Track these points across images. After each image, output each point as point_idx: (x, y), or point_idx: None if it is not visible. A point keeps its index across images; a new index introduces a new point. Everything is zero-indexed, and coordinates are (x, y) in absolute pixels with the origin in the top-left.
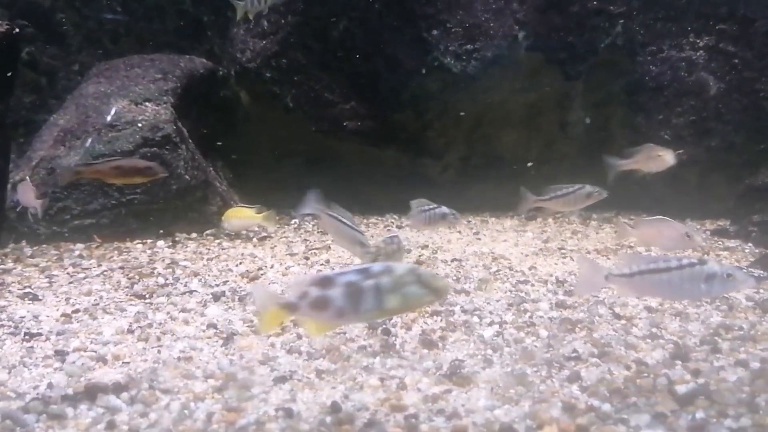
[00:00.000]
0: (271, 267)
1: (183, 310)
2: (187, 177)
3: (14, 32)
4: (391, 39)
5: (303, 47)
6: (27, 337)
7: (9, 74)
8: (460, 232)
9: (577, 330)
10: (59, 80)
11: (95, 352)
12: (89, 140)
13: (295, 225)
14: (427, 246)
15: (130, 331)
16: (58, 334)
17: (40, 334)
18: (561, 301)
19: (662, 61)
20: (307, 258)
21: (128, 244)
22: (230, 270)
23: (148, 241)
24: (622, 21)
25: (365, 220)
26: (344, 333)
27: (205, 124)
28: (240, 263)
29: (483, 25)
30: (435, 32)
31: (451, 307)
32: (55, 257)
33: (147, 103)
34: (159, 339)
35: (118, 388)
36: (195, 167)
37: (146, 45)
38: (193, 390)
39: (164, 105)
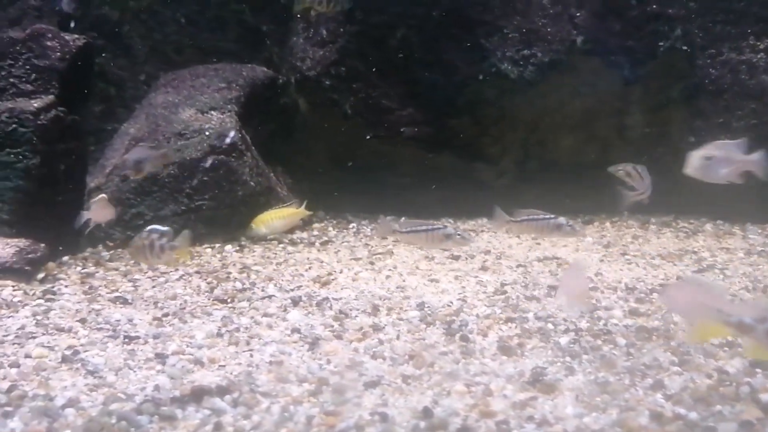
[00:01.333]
0: (340, 272)
1: (265, 315)
2: (252, 183)
3: (90, 45)
4: (448, 46)
5: (361, 55)
6: (126, 340)
7: (85, 85)
8: (518, 237)
9: (654, 338)
10: (127, 90)
11: (192, 355)
12: None
13: (354, 229)
14: (489, 251)
15: (220, 335)
16: (155, 337)
17: (138, 337)
18: (634, 309)
19: (722, 65)
20: (372, 263)
21: (198, 248)
22: (301, 275)
23: (216, 245)
24: (681, 25)
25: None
26: (423, 339)
27: (265, 131)
28: (309, 268)
29: (540, 30)
30: (492, 38)
31: (524, 314)
32: (132, 261)
33: (212, 112)
34: (248, 343)
35: (221, 391)
36: (259, 174)
37: (208, 55)
38: (290, 393)
39: (229, 113)
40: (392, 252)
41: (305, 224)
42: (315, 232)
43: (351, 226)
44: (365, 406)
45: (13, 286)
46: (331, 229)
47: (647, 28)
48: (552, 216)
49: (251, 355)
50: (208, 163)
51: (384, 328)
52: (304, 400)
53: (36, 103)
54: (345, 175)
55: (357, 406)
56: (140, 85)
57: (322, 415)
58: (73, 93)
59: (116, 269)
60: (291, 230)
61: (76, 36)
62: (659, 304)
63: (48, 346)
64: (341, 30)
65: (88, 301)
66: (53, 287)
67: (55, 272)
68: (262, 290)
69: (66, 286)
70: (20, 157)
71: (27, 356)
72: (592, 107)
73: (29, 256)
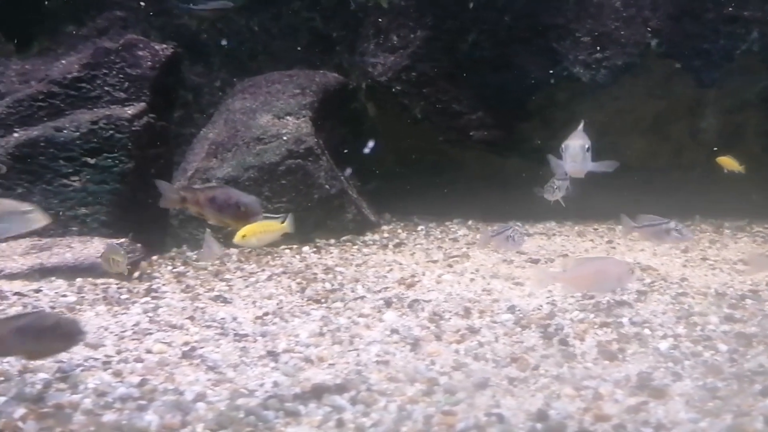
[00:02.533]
0: (423, 274)
1: (361, 315)
2: (327, 187)
3: (177, 54)
4: (519, 50)
5: (432, 60)
6: (237, 337)
7: (172, 92)
8: (592, 240)
9: (755, 344)
10: (203, 96)
11: (301, 353)
12: None
13: (424, 232)
14: (567, 255)
15: (322, 334)
16: (262, 335)
17: (247, 335)
18: (729, 315)
19: None
20: (450, 266)
21: (277, 249)
22: (385, 276)
23: (294, 246)
24: (757, 27)
25: (489, 227)
26: (522, 342)
27: (336, 136)
28: (390, 270)
29: (613, 33)
30: (564, 42)
31: (618, 319)
32: (217, 261)
33: (288, 117)
34: (351, 342)
35: (339, 389)
36: (333, 177)
37: (280, 61)
38: (405, 393)
39: (304, 118)
40: (468, 255)
41: (372, 226)
42: (385, 235)
43: (420, 228)
44: (479, 406)
45: (116, 284)
46: (400, 231)
47: (723, 30)
48: (666, 220)
49: (358, 355)
50: (286, 166)
51: (480, 330)
52: (419, 399)
53: (130, 110)
54: (412, 178)
55: (471, 407)
56: (215, 91)
57: (439, 415)
58: (162, 100)
59: (205, 269)
60: (362, 232)
61: (165, 45)
62: (752, 310)
63: (165, 342)
64: (412, 36)
65: (191, 300)
66: (152, 285)
67: (149, 271)
68: (352, 291)
69: (163, 285)
70: (116, 161)
71: (148, 351)
72: (666, 110)
73: (128, 255)
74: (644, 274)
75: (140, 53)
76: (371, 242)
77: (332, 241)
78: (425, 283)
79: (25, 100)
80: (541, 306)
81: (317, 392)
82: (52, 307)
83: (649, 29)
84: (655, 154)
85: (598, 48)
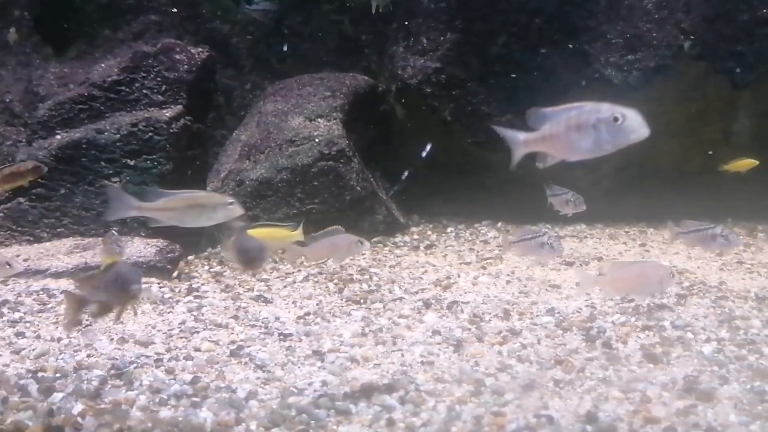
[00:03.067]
0: (458, 276)
1: (401, 316)
2: (358, 188)
3: (212, 58)
4: (550, 52)
5: (462, 63)
6: (281, 337)
7: (207, 95)
8: (625, 243)
9: None
10: (234, 98)
11: (346, 353)
12: None
13: (454, 234)
14: (601, 258)
15: (364, 335)
16: (306, 335)
17: (291, 335)
18: None
19: None
20: (484, 268)
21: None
22: (420, 278)
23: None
24: None
25: (514, 231)
26: (564, 345)
27: (365, 138)
28: (425, 271)
29: (645, 35)
30: (596, 44)
31: (660, 323)
32: None
33: (319, 120)
34: (394, 343)
35: (388, 389)
36: (364, 179)
37: (309, 64)
38: (452, 393)
39: (335, 121)
40: (501, 257)
41: (401, 227)
42: (415, 236)
43: (449, 230)
44: (527, 408)
45: (158, 283)
46: (429, 232)
47: (758, 32)
48: (712, 226)
49: (402, 355)
50: (318, 168)
51: (521, 332)
52: (467, 400)
53: (168, 113)
54: (439, 179)
55: (519, 408)
56: (246, 94)
57: (489, 416)
58: (198, 102)
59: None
60: (392, 234)
61: (201, 49)
62: None
63: (213, 341)
64: (442, 38)
65: (233, 299)
66: (192, 284)
67: (187, 271)
68: (390, 292)
69: (203, 284)
70: (155, 163)
71: (197, 349)
72: (698, 112)
73: (169, 255)
74: (681, 277)
75: (177, 57)
76: (402, 243)
77: None
78: (461, 284)
79: (67, 103)
80: (581, 309)
81: (366, 392)
82: None
83: (681, 31)
84: (687, 156)
85: (630, 50)
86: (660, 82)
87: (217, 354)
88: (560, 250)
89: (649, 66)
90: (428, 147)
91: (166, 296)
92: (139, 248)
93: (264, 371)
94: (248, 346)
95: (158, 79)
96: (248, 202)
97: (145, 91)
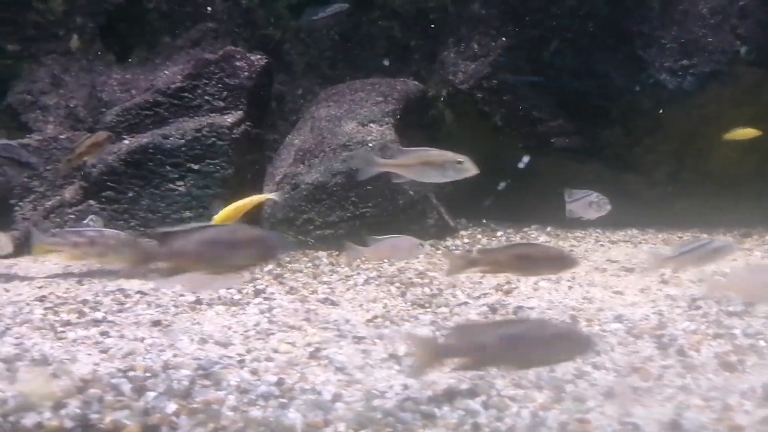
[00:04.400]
0: (518, 281)
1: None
2: (411, 192)
3: (270, 64)
4: (602, 57)
5: (513, 68)
6: (356, 339)
7: (266, 101)
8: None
9: None
10: (286, 103)
11: None
12: None
13: (504, 238)
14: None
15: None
16: (379, 338)
17: (365, 338)
18: None
19: None
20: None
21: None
22: (480, 282)
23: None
24: None
25: (569, 234)
26: (638, 352)
27: (415, 142)
28: (483, 276)
29: (700, 40)
30: (650, 49)
31: (731, 330)
32: (309, 264)
33: (372, 125)
34: None
35: (471, 393)
36: (416, 183)
37: (359, 69)
38: (534, 399)
39: (387, 125)
40: None
41: (451, 231)
42: (465, 240)
43: (498, 234)
44: (610, 415)
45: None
46: (479, 236)
47: None
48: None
49: None
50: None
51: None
52: (550, 406)
53: (229, 119)
54: (487, 184)
55: (603, 415)
56: (297, 99)
57: (574, 422)
58: (256, 108)
59: (300, 271)
60: (442, 237)
61: (260, 56)
62: None
63: (289, 343)
64: (493, 44)
65: (300, 302)
66: (256, 286)
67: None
68: (453, 296)
69: (267, 286)
70: (218, 167)
71: (275, 351)
72: (754, 118)
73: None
74: None
75: (238, 64)
76: (453, 247)
77: None
78: (522, 290)
79: (133, 109)
80: (648, 316)
81: (449, 396)
82: (174, 306)
83: (737, 36)
84: (740, 162)
85: (685, 55)
86: (714, 87)
87: (296, 356)
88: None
89: (704, 71)
90: (525, 159)
91: (236, 298)
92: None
93: (344, 374)
94: (325, 349)
95: (219, 85)
96: (303, 206)
97: (206, 98)
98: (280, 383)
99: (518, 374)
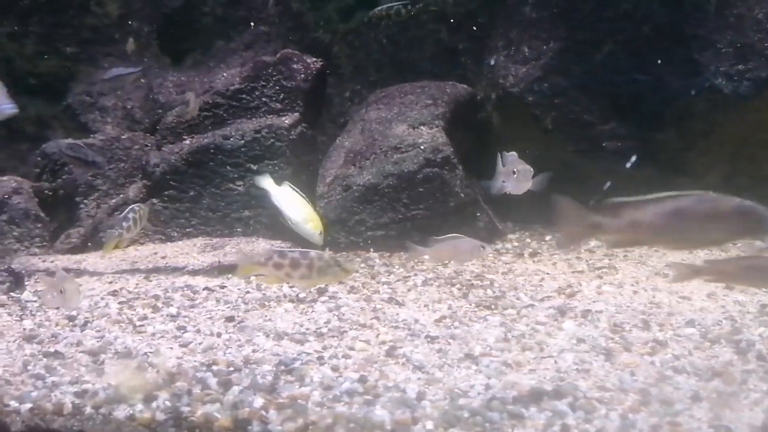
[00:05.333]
0: (579, 285)
1: (538, 323)
2: (462, 195)
3: (325, 67)
4: (657, 60)
5: (564, 71)
6: (428, 339)
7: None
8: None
9: None
10: (334, 106)
11: (498, 357)
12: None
13: (554, 241)
14: None
15: (507, 340)
16: (451, 338)
17: (438, 337)
18: None
19: None
20: (600, 276)
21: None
22: (540, 285)
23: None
24: None
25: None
26: (717, 357)
27: (464, 145)
28: (542, 279)
29: (756, 45)
30: (706, 53)
31: None
32: (363, 264)
33: (422, 127)
34: (541, 349)
35: (557, 394)
36: (467, 186)
37: (406, 72)
38: (621, 402)
39: (437, 128)
40: (615, 267)
41: (500, 234)
42: (515, 243)
43: (547, 237)
44: (699, 418)
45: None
46: (528, 240)
47: None
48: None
49: (555, 362)
50: (424, 175)
51: (667, 343)
52: (638, 409)
53: (287, 120)
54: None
55: (692, 419)
56: (345, 102)
57: (666, 426)
58: (311, 110)
59: (356, 271)
60: (491, 240)
61: (315, 59)
62: None
63: (364, 341)
64: (544, 47)
65: (365, 301)
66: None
67: None
68: (517, 299)
69: (327, 285)
70: (276, 168)
71: (351, 348)
72: None
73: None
74: None
75: (295, 66)
76: (504, 250)
77: None
78: (586, 293)
79: None
80: (720, 321)
81: (535, 396)
82: (244, 303)
83: None
84: None
85: (741, 60)
86: None
87: (373, 354)
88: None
89: (760, 76)
90: (633, 158)
91: (301, 295)
92: (264, 248)
93: (423, 372)
94: (400, 347)
95: (277, 87)
96: (355, 207)
97: (264, 99)
98: (362, 380)
99: (596, 378)
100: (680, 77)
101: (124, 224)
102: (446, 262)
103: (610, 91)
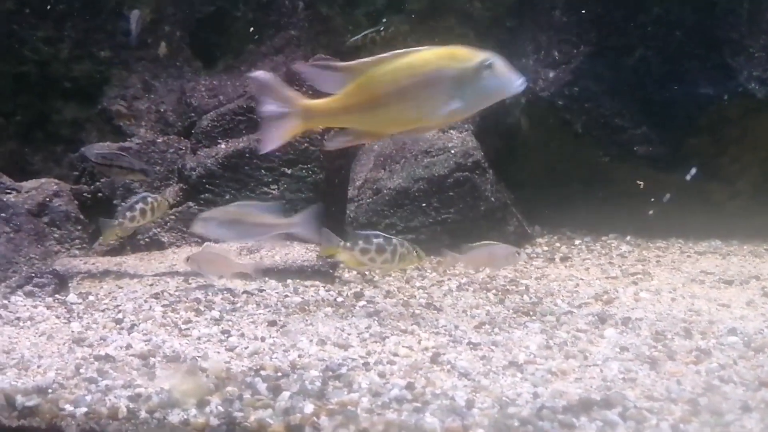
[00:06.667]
0: (616, 291)
1: (579, 330)
2: (492, 199)
3: None
4: (690, 66)
5: (595, 76)
6: (471, 346)
7: None
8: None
9: None
10: None
11: (542, 365)
12: None
13: (584, 247)
14: (758, 277)
15: (549, 347)
16: (493, 344)
17: (480, 344)
18: None
19: None
20: (635, 283)
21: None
22: (576, 291)
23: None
24: None
25: (651, 244)
26: (763, 366)
27: (492, 149)
28: (576, 285)
29: None
30: (738, 58)
31: None
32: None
33: (452, 131)
34: (585, 357)
35: (606, 404)
36: (497, 190)
37: None
38: (671, 411)
39: (466, 132)
40: (650, 273)
41: (529, 238)
42: (544, 248)
43: (577, 242)
44: (751, 429)
45: (323, 287)
46: (558, 244)
47: None
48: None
49: (601, 371)
50: (454, 179)
51: (711, 352)
52: (689, 419)
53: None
54: (561, 191)
55: (743, 429)
56: None
57: None
58: None
59: (389, 275)
60: (521, 245)
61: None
62: None
63: (407, 347)
64: (575, 51)
65: (403, 306)
66: (351, 288)
67: (337, 275)
68: (555, 305)
69: (363, 289)
70: (310, 172)
71: (394, 354)
72: None
73: (329, 258)
74: None
75: None
76: (534, 255)
77: None
78: (623, 300)
79: (228, 114)
80: (762, 330)
81: (585, 406)
82: (284, 307)
83: None
84: None
85: None
86: None
87: (417, 360)
88: None
89: None
90: (693, 170)
91: (339, 300)
92: (301, 253)
93: (469, 379)
94: (444, 354)
95: (310, 92)
96: (385, 210)
97: None
98: (410, 387)
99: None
100: (712, 82)
101: (128, 214)
102: (481, 269)
103: (642, 96)
